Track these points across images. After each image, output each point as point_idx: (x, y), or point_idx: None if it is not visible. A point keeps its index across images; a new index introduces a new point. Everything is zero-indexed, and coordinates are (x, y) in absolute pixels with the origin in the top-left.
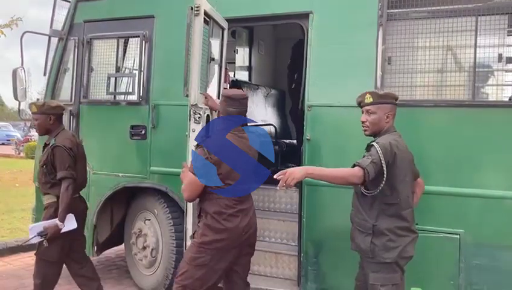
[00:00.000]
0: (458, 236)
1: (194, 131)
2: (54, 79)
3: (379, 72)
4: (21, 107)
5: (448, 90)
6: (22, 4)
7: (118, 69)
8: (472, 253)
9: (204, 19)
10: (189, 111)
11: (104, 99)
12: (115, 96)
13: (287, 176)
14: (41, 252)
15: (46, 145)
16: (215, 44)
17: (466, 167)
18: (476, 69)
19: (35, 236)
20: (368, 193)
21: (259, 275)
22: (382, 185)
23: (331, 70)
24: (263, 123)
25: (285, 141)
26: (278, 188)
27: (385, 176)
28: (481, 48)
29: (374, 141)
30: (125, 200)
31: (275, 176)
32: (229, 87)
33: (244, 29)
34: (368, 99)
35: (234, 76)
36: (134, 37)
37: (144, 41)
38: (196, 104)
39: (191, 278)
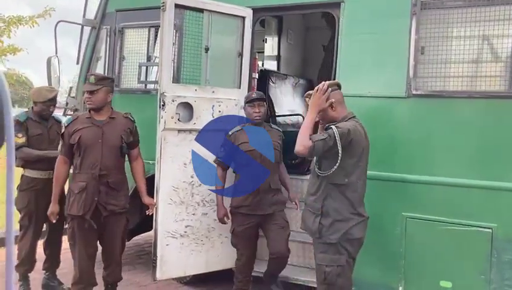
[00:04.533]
0: (490, 230)
1: (162, 118)
2: (86, 68)
3: (412, 62)
4: None
5: (483, 80)
6: None
7: (149, 58)
8: (504, 248)
9: (196, 8)
10: (159, 99)
11: (136, 88)
12: (146, 85)
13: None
14: None
15: None
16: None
17: (500, 160)
18: None
19: None
20: (321, 173)
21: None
22: (336, 167)
23: (363, 60)
24: (291, 113)
25: None
26: None
27: (339, 158)
28: None
29: (333, 124)
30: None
31: None
32: (257, 77)
33: (273, 18)
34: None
35: (263, 65)
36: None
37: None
38: (163, 92)
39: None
